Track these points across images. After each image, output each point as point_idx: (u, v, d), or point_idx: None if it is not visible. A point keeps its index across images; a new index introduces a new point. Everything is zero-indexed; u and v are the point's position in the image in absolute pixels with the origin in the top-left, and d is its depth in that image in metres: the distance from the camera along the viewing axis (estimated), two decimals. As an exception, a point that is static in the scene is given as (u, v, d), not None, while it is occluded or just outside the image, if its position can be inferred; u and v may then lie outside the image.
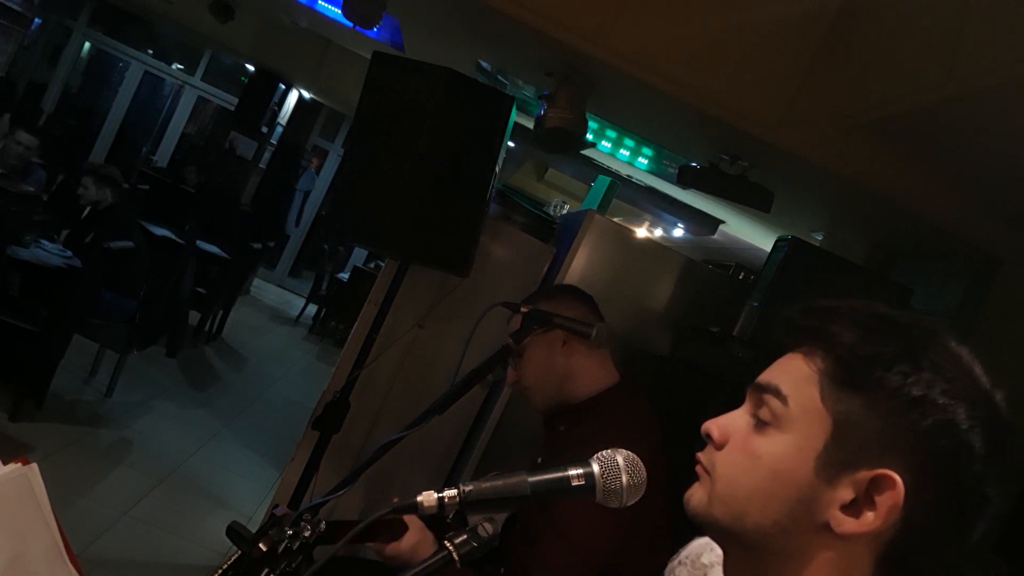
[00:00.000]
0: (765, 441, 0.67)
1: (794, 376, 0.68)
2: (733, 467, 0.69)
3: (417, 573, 0.75)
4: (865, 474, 0.63)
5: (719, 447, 0.71)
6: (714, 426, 0.71)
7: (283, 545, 0.91)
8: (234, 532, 0.93)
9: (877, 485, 0.62)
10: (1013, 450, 0.64)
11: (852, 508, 0.63)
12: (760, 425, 0.68)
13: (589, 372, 1.54)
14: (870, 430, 0.63)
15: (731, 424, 0.71)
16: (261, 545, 0.90)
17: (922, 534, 0.63)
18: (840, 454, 0.64)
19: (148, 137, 9.70)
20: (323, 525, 0.99)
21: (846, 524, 0.63)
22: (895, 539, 0.63)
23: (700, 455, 0.73)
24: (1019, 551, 2.02)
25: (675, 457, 0.78)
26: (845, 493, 0.63)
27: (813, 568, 0.65)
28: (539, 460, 1.58)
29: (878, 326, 0.66)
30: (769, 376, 0.70)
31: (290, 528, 0.93)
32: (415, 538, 1.30)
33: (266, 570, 0.89)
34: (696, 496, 0.71)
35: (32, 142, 4.76)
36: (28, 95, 8.48)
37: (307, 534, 0.94)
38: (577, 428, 1.50)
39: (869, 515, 0.62)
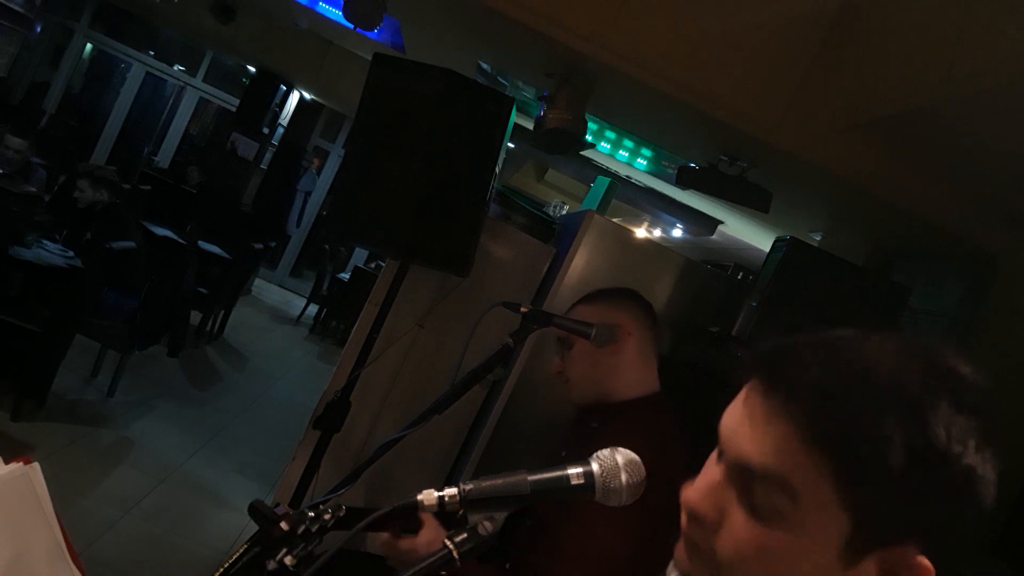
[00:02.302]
0: (774, 538, 0.60)
1: (799, 466, 0.59)
2: (741, 560, 0.62)
3: (417, 572, 0.75)
4: (889, 555, 0.60)
5: (713, 529, 0.63)
6: (702, 504, 0.64)
7: (303, 527, 0.92)
8: (256, 511, 0.94)
9: (908, 567, 0.59)
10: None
11: None
12: (762, 516, 0.61)
13: (631, 375, 1.54)
14: (890, 514, 0.59)
15: (719, 499, 0.64)
16: (283, 524, 0.91)
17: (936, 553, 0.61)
18: (861, 543, 0.60)
19: (150, 138, 9.71)
20: (343, 510, 0.99)
21: None
22: None
23: (688, 531, 0.66)
24: (1018, 552, 2.02)
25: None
26: (868, 571, 0.60)
27: None
28: (563, 454, 1.58)
29: (877, 394, 0.58)
30: (763, 456, 0.61)
31: (311, 511, 0.94)
32: (430, 535, 1.30)
33: (284, 550, 0.90)
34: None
35: (22, 145, 4.74)
36: (30, 96, 8.49)
37: (327, 517, 0.95)
38: (609, 427, 1.50)
39: None
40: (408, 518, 1.28)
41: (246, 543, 1.10)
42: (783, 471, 0.59)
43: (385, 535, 1.31)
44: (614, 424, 1.50)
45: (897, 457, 0.56)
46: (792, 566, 0.60)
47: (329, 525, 0.96)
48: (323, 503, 1.49)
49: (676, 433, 1.48)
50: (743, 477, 0.62)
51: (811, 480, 0.58)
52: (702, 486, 0.65)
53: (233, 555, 1.11)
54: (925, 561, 0.59)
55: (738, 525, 0.62)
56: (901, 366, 0.60)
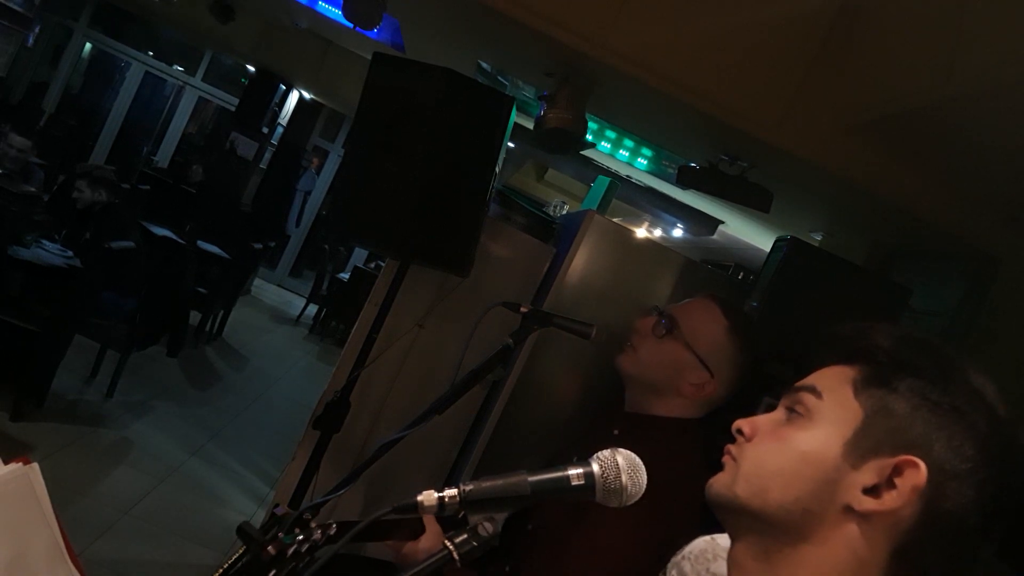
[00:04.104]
0: (795, 428, 0.72)
1: (831, 377, 0.74)
2: (761, 450, 0.73)
3: (417, 572, 0.75)
4: (889, 460, 0.66)
5: (749, 439, 0.75)
6: (745, 422, 0.76)
7: (292, 548, 0.91)
8: (244, 534, 0.93)
9: (899, 470, 0.65)
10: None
11: (873, 491, 0.66)
12: (792, 417, 0.73)
13: (679, 401, 1.50)
14: (898, 424, 0.67)
15: (761, 419, 0.76)
16: (270, 548, 0.90)
17: (946, 529, 0.65)
18: (868, 441, 0.68)
19: (149, 137, 9.71)
20: (334, 528, 0.98)
21: (867, 503, 0.66)
22: (916, 529, 0.65)
23: (730, 447, 0.76)
24: (1022, 553, 2.02)
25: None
26: (868, 477, 0.66)
27: (827, 549, 0.67)
28: (574, 458, 1.56)
29: (913, 340, 0.71)
30: (807, 379, 0.75)
31: (301, 531, 0.93)
32: (432, 539, 1.29)
33: (273, 571, 0.89)
34: (720, 480, 0.74)
35: (25, 144, 4.74)
36: (29, 95, 8.49)
37: (317, 537, 0.94)
38: (629, 438, 1.47)
39: (890, 495, 0.65)
40: (413, 525, 1.28)
41: (226, 564, 1.08)
42: (816, 381, 0.74)
43: (389, 543, 1.31)
44: (633, 435, 1.46)
45: (913, 382, 0.68)
46: (805, 455, 0.70)
47: (320, 544, 0.95)
48: (320, 505, 1.49)
49: (693, 457, 1.44)
50: (789, 397, 0.75)
51: (836, 383, 0.72)
52: (754, 417, 0.77)
53: (232, 555, 1.11)
54: (918, 460, 0.65)
55: (769, 429, 0.74)
56: (945, 345, 0.71)
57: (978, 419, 0.65)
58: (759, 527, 0.70)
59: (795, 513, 0.68)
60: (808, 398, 0.72)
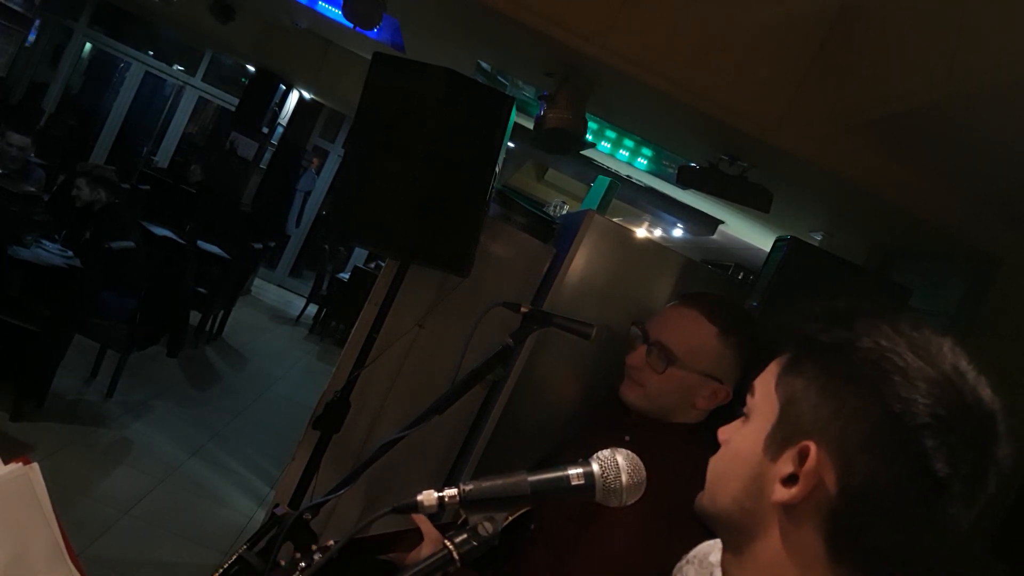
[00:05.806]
0: (738, 430, 0.74)
1: (767, 372, 0.74)
2: (715, 458, 0.76)
3: (417, 572, 0.75)
4: (796, 448, 0.66)
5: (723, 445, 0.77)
6: (720, 431, 0.78)
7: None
8: (244, 563, 0.92)
9: (804, 456, 0.65)
10: (979, 430, 0.62)
11: (790, 481, 0.66)
12: (743, 419, 0.75)
13: (693, 412, 1.49)
14: (806, 407, 0.66)
15: (728, 427, 0.77)
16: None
17: (867, 506, 0.63)
18: (782, 432, 0.68)
19: (149, 137, 9.71)
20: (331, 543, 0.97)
21: (779, 493, 0.66)
22: (837, 511, 0.64)
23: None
24: (1017, 552, 2.02)
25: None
26: (785, 467, 0.66)
27: (770, 543, 0.68)
28: (579, 461, 1.54)
29: (833, 317, 0.69)
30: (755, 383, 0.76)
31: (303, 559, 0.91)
32: (431, 546, 1.29)
33: None
34: (700, 493, 0.77)
35: (24, 142, 4.73)
36: (29, 95, 8.49)
37: (318, 559, 0.92)
38: (641, 446, 1.45)
39: (800, 483, 0.65)
40: (413, 536, 1.28)
41: (245, 543, 1.10)
42: (756, 379, 0.74)
43: (393, 556, 1.31)
44: (648, 443, 1.44)
45: (820, 358, 0.67)
46: (736, 455, 0.72)
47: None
48: (320, 505, 1.49)
49: (705, 459, 1.44)
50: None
51: (767, 377, 0.72)
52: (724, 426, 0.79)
53: (232, 555, 1.11)
54: (809, 443, 0.64)
55: (723, 440, 0.76)
56: (874, 311, 0.68)
57: (889, 381, 0.61)
58: (722, 530, 0.73)
59: (737, 513, 0.70)
60: (748, 398, 0.74)
